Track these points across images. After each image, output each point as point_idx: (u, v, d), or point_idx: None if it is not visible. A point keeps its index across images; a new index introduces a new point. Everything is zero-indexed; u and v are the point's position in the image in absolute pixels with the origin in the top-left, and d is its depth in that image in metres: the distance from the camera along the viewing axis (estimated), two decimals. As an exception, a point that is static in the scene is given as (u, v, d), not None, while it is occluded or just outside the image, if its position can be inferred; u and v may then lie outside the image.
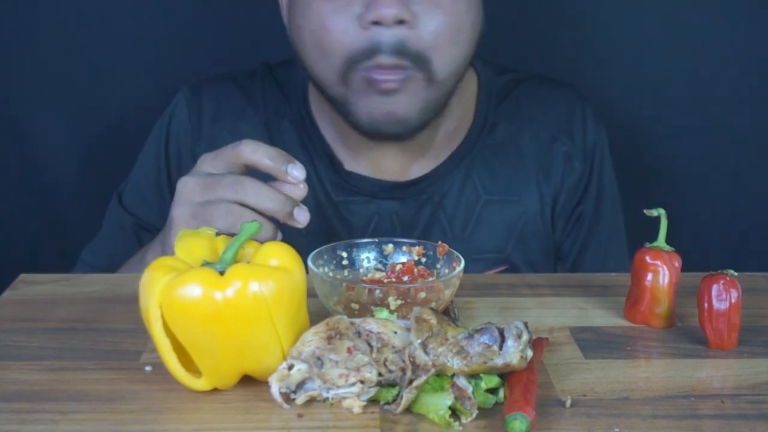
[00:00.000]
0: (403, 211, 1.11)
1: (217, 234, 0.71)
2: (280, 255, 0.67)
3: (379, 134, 1.03)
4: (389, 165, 1.10)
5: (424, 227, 1.11)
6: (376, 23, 0.95)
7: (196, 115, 1.14)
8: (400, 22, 0.95)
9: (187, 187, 0.86)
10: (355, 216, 1.10)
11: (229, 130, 1.13)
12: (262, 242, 0.71)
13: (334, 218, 1.10)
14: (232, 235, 0.72)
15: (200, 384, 0.67)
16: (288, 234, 1.00)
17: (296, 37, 1.03)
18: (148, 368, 0.72)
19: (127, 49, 1.44)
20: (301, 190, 0.85)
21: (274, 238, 0.84)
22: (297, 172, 0.84)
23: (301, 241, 1.10)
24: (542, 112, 1.16)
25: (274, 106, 1.14)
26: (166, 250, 0.89)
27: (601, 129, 1.18)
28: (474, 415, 0.64)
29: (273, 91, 1.15)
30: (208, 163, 0.87)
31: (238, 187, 0.83)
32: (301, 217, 0.84)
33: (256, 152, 0.85)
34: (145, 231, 1.14)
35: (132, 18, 1.44)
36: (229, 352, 0.65)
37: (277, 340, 0.66)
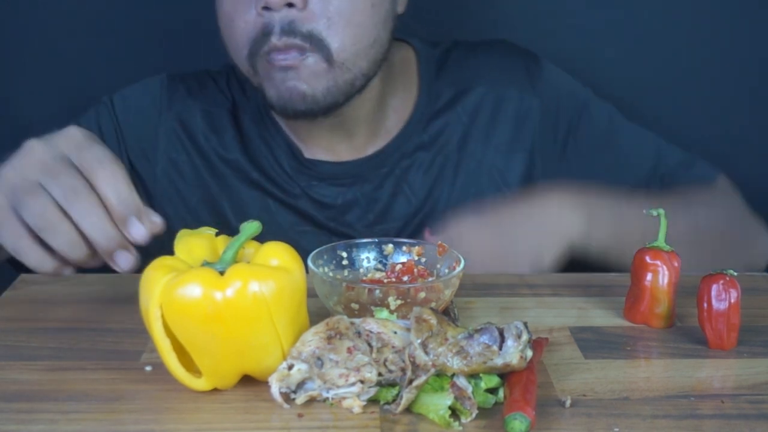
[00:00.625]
0: (367, 187, 1.15)
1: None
2: (280, 255, 0.68)
3: (288, 112, 1.04)
4: (344, 148, 1.14)
5: (389, 197, 1.14)
6: (266, 8, 0.98)
7: (168, 92, 1.18)
8: (289, 5, 0.98)
9: (32, 153, 0.77)
10: (323, 197, 1.14)
11: (201, 111, 1.17)
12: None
13: (302, 197, 1.14)
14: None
15: (200, 384, 0.67)
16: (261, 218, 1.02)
17: (221, 31, 1.07)
18: (148, 368, 0.72)
19: (127, 49, 1.44)
20: (141, 238, 0.75)
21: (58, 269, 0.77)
22: (135, 231, 0.74)
23: (283, 219, 1.13)
24: (479, 68, 1.19)
25: (238, 101, 1.19)
26: None
27: (546, 65, 1.20)
28: (474, 415, 0.64)
29: (236, 88, 1.19)
30: (66, 141, 0.78)
31: (71, 196, 0.73)
32: (122, 262, 0.75)
33: (109, 187, 0.74)
34: None
35: (132, 17, 1.44)
36: (229, 351, 0.65)
37: (277, 339, 0.66)
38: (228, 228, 1.11)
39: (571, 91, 1.20)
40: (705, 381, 0.72)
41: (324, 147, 1.14)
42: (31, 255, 0.75)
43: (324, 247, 0.84)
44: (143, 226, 0.75)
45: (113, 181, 0.74)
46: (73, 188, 0.73)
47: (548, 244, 1.02)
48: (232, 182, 1.15)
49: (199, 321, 0.63)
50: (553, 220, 1.03)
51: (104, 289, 0.89)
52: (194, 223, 1.05)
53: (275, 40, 0.98)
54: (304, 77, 1.00)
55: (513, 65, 1.19)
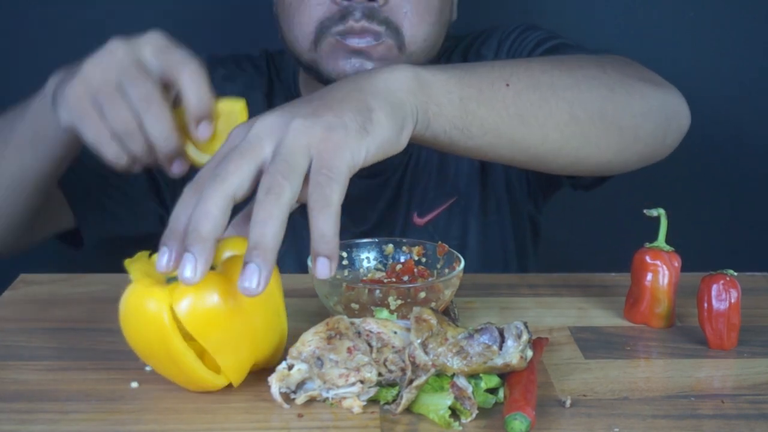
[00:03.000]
0: (372, 182, 1.14)
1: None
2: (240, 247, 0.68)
3: None
4: None
5: (394, 189, 1.14)
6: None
7: (207, 72, 1.16)
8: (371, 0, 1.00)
9: (113, 55, 0.79)
10: None
11: (238, 94, 1.15)
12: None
13: None
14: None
15: (222, 381, 0.68)
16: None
17: (278, 10, 1.08)
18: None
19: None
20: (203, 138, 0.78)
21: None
22: (177, 169, 0.79)
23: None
24: (479, 48, 1.19)
25: (269, 85, 1.20)
26: (58, 94, 0.82)
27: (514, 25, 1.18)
28: (474, 415, 0.64)
29: (274, 72, 1.21)
30: (150, 44, 0.80)
31: (144, 103, 0.77)
32: (176, 169, 0.79)
33: (192, 87, 0.78)
34: None
35: (131, 17, 1.44)
36: (246, 341, 0.67)
37: (278, 315, 0.69)
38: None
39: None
40: (705, 381, 0.72)
41: None
42: (110, 150, 0.78)
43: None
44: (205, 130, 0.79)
45: (196, 82, 0.79)
46: (148, 94, 0.77)
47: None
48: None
49: (221, 321, 0.64)
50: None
51: (104, 289, 0.88)
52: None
53: (354, 23, 1.00)
54: (374, 59, 1.02)
55: (495, 35, 1.19)
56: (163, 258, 0.64)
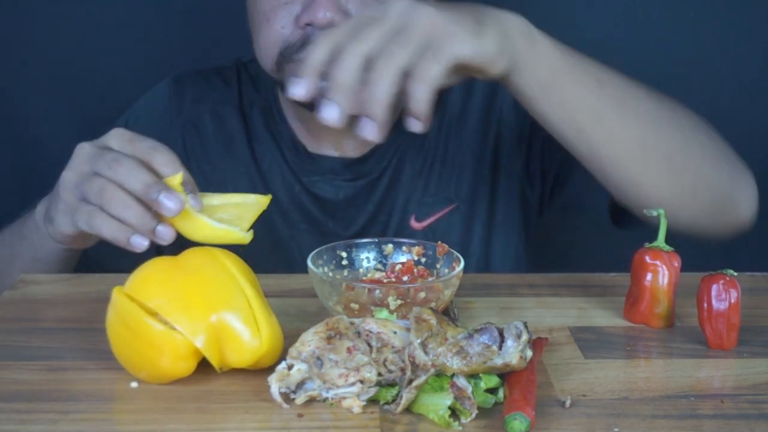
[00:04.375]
0: (364, 182, 1.15)
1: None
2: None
3: (313, 107, 1.04)
4: (346, 141, 1.14)
5: (385, 188, 1.14)
6: (310, 24, 1.00)
7: (177, 97, 1.19)
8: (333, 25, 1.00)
9: (82, 152, 0.85)
10: (321, 190, 1.15)
11: (210, 112, 1.18)
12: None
13: (303, 194, 1.15)
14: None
15: (189, 345, 0.68)
16: (270, 215, 1.05)
17: (249, 23, 1.08)
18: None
19: (126, 47, 1.44)
20: (169, 215, 0.79)
21: (126, 243, 0.81)
22: (171, 201, 0.78)
23: (278, 218, 1.13)
24: None
25: (247, 95, 1.20)
26: (50, 211, 0.89)
27: None
28: (473, 415, 0.64)
29: (246, 82, 1.21)
30: (116, 138, 0.85)
31: (103, 194, 0.80)
32: (164, 233, 0.79)
33: (131, 176, 0.80)
34: None
35: (131, 16, 1.44)
36: (196, 296, 0.69)
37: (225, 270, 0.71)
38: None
39: None
40: (705, 381, 0.72)
41: (331, 142, 1.14)
42: (104, 227, 0.81)
43: (324, 247, 0.84)
44: (173, 203, 0.79)
45: (170, 163, 0.82)
46: (115, 160, 0.81)
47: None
48: (238, 186, 1.14)
49: (162, 280, 0.70)
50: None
51: (104, 289, 0.88)
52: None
53: None
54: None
55: None
56: (298, 85, 0.76)
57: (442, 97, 1.13)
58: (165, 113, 1.19)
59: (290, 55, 1.02)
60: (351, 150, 1.15)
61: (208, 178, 1.12)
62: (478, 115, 1.17)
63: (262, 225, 1.11)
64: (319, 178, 1.15)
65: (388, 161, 1.15)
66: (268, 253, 1.13)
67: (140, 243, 0.80)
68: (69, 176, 0.85)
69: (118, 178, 0.80)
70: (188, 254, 0.73)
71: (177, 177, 0.79)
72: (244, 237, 0.81)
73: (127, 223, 0.80)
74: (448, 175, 1.16)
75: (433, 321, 0.67)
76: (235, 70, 1.22)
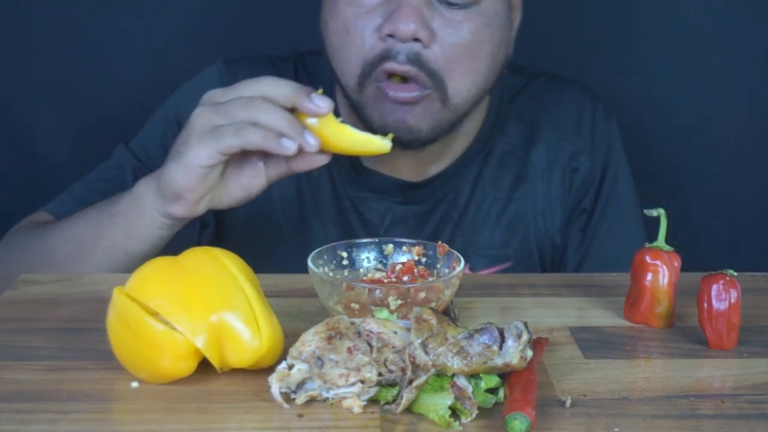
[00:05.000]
0: (417, 209, 1.12)
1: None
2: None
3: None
4: (406, 165, 1.11)
5: (437, 222, 1.12)
6: (391, 36, 0.97)
7: (230, 78, 1.13)
8: (416, 39, 0.97)
9: (198, 115, 0.87)
10: (370, 211, 1.12)
11: None
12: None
13: (351, 211, 1.12)
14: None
15: (188, 343, 0.68)
16: (310, 222, 1.06)
17: (324, 34, 1.05)
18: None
19: (126, 47, 1.44)
20: (322, 112, 0.85)
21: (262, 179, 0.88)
22: (320, 100, 0.84)
23: (319, 229, 1.11)
24: (551, 111, 1.16)
25: None
26: (161, 184, 0.89)
27: (611, 126, 1.18)
28: (474, 415, 0.64)
29: (304, 77, 1.16)
30: (219, 95, 0.88)
31: (249, 105, 0.83)
32: (310, 139, 0.84)
33: (278, 84, 0.85)
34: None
35: (131, 14, 1.44)
36: (195, 296, 0.68)
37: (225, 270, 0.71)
38: (275, 222, 1.12)
39: (616, 162, 1.17)
40: (705, 381, 0.72)
41: (386, 161, 1.10)
42: (253, 134, 0.83)
43: (324, 247, 0.84)
44: (323, 101, 0.85)
45: (276, 80, 0.86)
46: (244, 103, 0.84)
47: None
48: (283, 186, 1.12)
49: (162, 280, 0.70)
50: None
51: (104, 289, 0.88)
52: (245, 217, 1.11)
53: (396, 65, 0.97)
54: (416, 113, 1.00)
55: (583, 115, 1.16)
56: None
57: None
58: None
59: (372, 69, 0.99)
60: (405, 173, 1.11)
61: None
62: (555, 187, 1.14)
63: (297, 227, 1.09)
64: (369, 194, 1.12)
65: (445, 193, 1.12)
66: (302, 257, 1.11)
67: (290, 145, 0.82)
68: (202, 109, 0.87)
69: (262, 89, 0.84)
70: (188, 254, 0.73)
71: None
72: (385, 145, 0.84)
73: (276, 129, 0.82)
74: (511, 230, 1.13)
75: (434, 321, 0.67)
76: (291, 62, 1.17)
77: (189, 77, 1.19)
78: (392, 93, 0.99)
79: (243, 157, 0.89)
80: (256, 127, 0.83)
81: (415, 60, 0.97)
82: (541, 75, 1.20)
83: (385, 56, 0.98)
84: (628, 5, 1.47)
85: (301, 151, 0.85)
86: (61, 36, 1.44)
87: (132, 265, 0.94)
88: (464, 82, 1.01)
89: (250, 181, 0.90)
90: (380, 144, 0.84)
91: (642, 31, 1.47)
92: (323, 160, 0.88)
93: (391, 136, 0.88)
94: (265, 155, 0.88)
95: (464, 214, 1.13)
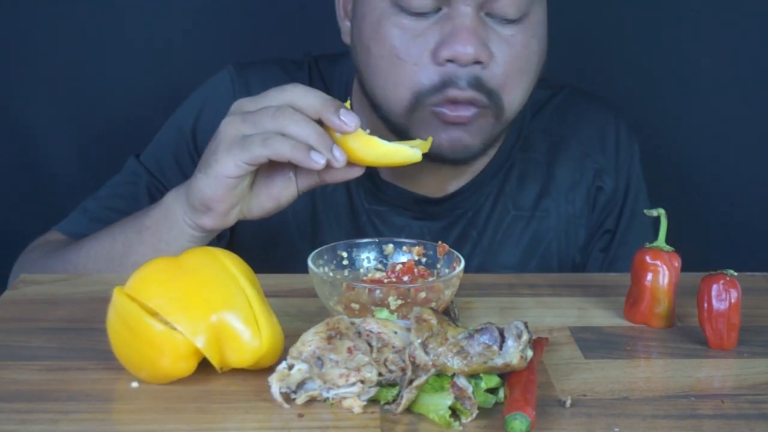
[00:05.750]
0: (435, 225, 1.10)
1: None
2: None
3: (439, 160, 1.00)
4: (426, 179, 1.08)
5: (455, 240, 1.10)
6: (450, 60, 0.94)
7: (243, 88, 1.11)
8: (476, 62, 0.94)
9: (227, 124, 0.85)
10: (386, 226, 1.09)
11: None
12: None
13: (368, 226, 1.10)
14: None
15: (189, 343, 0.68)
16: (324, 236, 1.04)
17: (363, 58, 1.00)
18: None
19: (131, 49, 1.45)
20: (349, 130, 0.83)
21: (292, 191, 0.88)
22: (348, 117, 0.82)
23: (329, 231, 1.09)
24: (575, 128, 1.14)
25: None
26: (190, 195, 0.88)
27: (634, 145, 1.16)
28: (474, 415, 0.64)
29: (318, 83, 1.12)
30: (247, 103, 0.86)
31: (278, 115, 0.82)
32: (338, 154, 0.82)
33: (307, 95, 0.84)
34: (158, 192, 1.08)
35: (133, 17, 1.44)
36: (195, 297, 0.68)
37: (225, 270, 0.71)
38: (287, 235, 1.10)
39: (637, 183, 1.16)
40: (705, 381, 0.72)
41: (406, 175, 1.07)
42: (282, 145, 0.82)
43: (324, 247, 0.84)
44: (351, 118, 0.82)
45: (305, 90, 0.85)
46: (273, 112, 0.83)
47: None
48: (297, 199, 1.08)
49: (162, 280, 0.70)
50: None
51: (104, 289, 0.88)
52: (257, 230, 1.08)
53: (459, 92, 0.94)
54: (471, 130, 0.97)
55: (607, 133, 1.15)
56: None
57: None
58: (232, 99, 1.08)
59: (425, 99, 0.95)
60: (424, 187, 1.08)
61: None
62: (578, 206, 1.13)
63: (311, 242, 1.08)
64: (386, 208, 1.09)
65: (464, 210, 1.10)
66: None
67: (319, 159, 0.81)
68: (231, 119, 0.85)
69: (292, 99, 0.83)
70: (188, 254, 0.73)
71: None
72: (416, 154, 0.83)
73: (305, 141, 0.81)
74: (532, 249, 1.11)
75: (434, 321, 0.67)
76: (306, 67, 1.13)
77: (195, 79, 1.17)
78: (452, 114, 0.95)
79: (273, 167, 0.87)
80: (285, 138, 0.82)
81: (476, 83, 0.94)
82: (564, 88, 1.17)
83: (447, 83, 0.94)
84: (628, 6, 1.47)
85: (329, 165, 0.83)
86: (64, 38, 1.44)
87: None
88: (518, 96, 0.99)
89: (281, 192, 0.89)
90: (411, 153, 0.83)
91: (642, 31, 1.47)
92: (357, 172, 0.86)
93: (420, 143, 0.86)
94: (296, 166, 0.86)
95: (483, 232, 1.10)
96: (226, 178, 0.84)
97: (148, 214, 0.94)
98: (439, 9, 0.94)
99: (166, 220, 0.91)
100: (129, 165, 1.13)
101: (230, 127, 0.85)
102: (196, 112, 1.12)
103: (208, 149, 0.87)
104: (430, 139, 0.88)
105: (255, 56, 1.19)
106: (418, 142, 0.88)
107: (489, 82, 0.95)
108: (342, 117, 0.81)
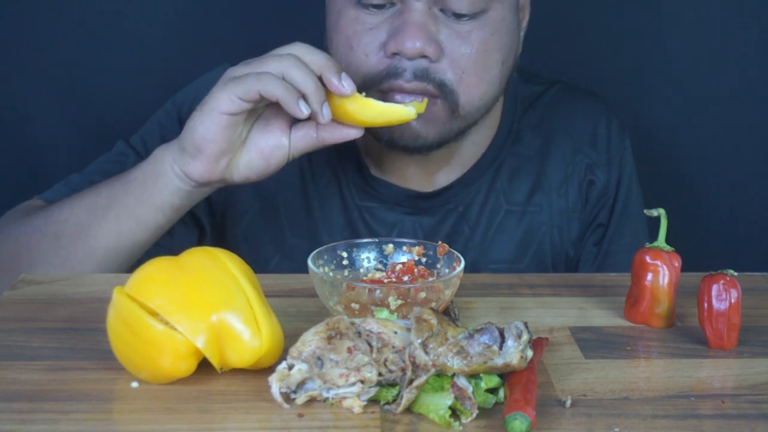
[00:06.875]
0: (427, 221, 1.11)
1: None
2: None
3: (394, 146, 1.02)
4: (414, 173, 1.09)
5: (446, 235, 1.10)
6: (397, 54, 0.96)
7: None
8: (423, 56, 0.96)
9: (231, 69, 0.89)
10: (378, 222, 1.10)
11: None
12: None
13: (359, 221, 1.10)
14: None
15: (188, 343, 0.67)
16: (317, 233, 1.05)
17: (329, 47, 1.04)
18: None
19: (127, 47, 1.45)
20: (346, 93, 0.87)
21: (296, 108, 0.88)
22: (347, 81, 0.87)
23: (326, 240, 1.10)
24: (566, 123, 1.15)
25: None
26: (183, 136, 0.89)
27: (625, 140, 1.17)
28: (474, 415, 0.64)
29: None
30: (252, 61, 0.89)
31: (284, 60, 0.86)
32: (326, 111, 0.86)
33: (313, 53, 0.87)
34: None
35: (132, 16, 1.44)
36: (195, 297, 0.68)
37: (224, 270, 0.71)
38: (280, 233, 1.11)
39: (629, 177, 1.17)
40: (705, 381, 0.72)
41: (394, 169, 1.09)
42: (275, 86, 0.85)
43: (324, 247, 0.84)
44: (348, 85, 0.87)
45: (310, 48, 0.88)
46: (277, 57, 0.87)
47: None
48: (291, 193, 1.11)
49: (162, 280, 0.70)
50: None
51: (104, 289, 0.88)
52: (248, 228, 1.10)
53: (404, 83, 0.96)
54: (422, 120, 0.97)
55: (598, 128, 1.15)
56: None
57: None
58: None
59: (373, 86, 0.97)
60: (414, 182, 1.10)
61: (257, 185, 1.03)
62: (571, 200, 1.13)
63: (303, 238, 1.08)
64: (378, 204, 1.10)
65: (455, 205, 1.10)
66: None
67: (304, 109, 0.85)
68: (235, 66, 0.89)
69: (297, 51, 0.86)
70: (188, 254, 0.73)
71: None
72: (410, 111, 0.87)
73: (302, 90, 0.85)
74: (526, 244, 1.11)
75: (434, 321, 0.67)
76: None
77: (192, 77, 1.18)
78: (402, 101, 0.96)
79: (268, 123, 0.90)
80: (280, 80, 0.85)
81: (422, 75, 0.96)
82: (555, 84, 1.18)
83: (392, 73, 0.96)
84: (628, 6, 1.47)
85: (333, 122, 0.88)
86: (60, 35, 1.44)
87: (141, 238, 0.95)
88: (477, 92, 0.99)
89: (272, 151, 0.91)
90: (405, 111, 0.87)
91: (642, 33, 1.47)
92: (356, 133, 0.90)
93: (414, 104, 0.91)
94: (291, 127, 0.90)
95: (476, 227, 1.11)
96: (219, 114, 0.87)
97: (135, 168, 0.96)
98: (393, 4, 0.98)
99: (153, 171, 0.93)
100: (118, 146, 1.14)
101: (232, 70, 0.89)
102: (189, 101, 1.12)
103: (209, 96, 0.89)
104: (425, 100, 0.92)
105: (251, 55, 1.19)
106: (414, 104, 0.92)
107: (438, 74, 0.97)
108: (342, 80, 0.86)
